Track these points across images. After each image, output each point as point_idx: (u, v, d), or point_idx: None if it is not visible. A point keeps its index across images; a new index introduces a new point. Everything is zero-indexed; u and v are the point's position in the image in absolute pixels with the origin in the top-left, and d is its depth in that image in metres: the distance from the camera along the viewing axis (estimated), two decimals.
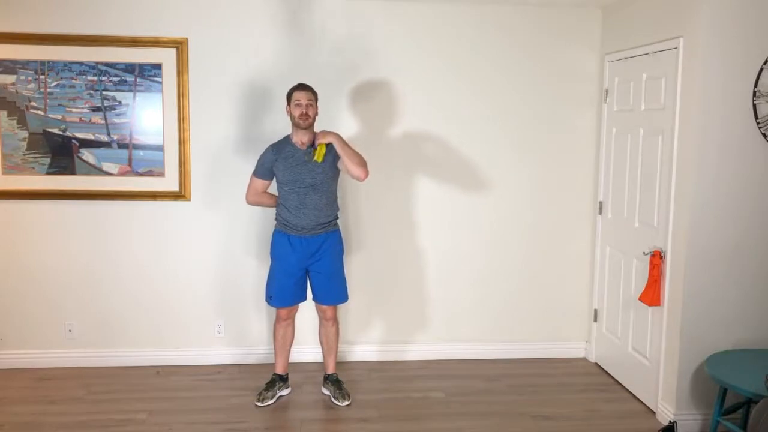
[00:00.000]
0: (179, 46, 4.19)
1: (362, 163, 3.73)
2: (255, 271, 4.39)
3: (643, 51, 3.91)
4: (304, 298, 3.94)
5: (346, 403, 3.89)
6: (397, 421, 3.72)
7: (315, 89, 3.78)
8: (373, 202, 4.44)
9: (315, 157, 3.67)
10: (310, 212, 3.76)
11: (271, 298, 3.90)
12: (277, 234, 3.87)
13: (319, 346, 4.11)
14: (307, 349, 4.40)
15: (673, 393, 3.64)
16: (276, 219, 3.89)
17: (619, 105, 4.27)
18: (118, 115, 4.23)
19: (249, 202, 3.96)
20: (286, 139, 3.82)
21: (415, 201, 4.49)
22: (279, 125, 4.16)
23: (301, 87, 3.75)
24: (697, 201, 3.49)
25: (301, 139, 3.76)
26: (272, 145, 3.83)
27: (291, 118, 3.76)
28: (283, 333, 3.95)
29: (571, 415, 3.84)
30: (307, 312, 4.19)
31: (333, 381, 4.01)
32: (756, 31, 3.40)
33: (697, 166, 3.47)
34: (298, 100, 3.70)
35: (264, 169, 3.82)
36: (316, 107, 3.77)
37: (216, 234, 4.38)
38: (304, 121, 3.70)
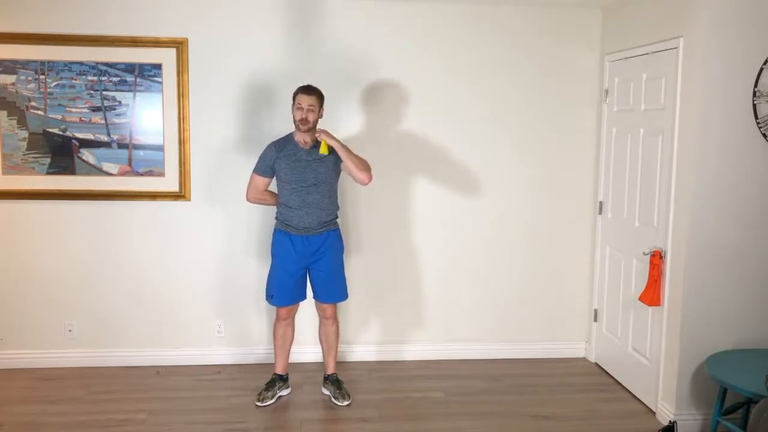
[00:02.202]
0: (179, 46, 4.19)
1: (366, 168, 3.74)
2: (255, 271, 4.39)
3: (643, 51, 3.91)
4: (304, 297, 3.94)
5: (346, 403, 3.89)
6: (397, 421, 3.72)
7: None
8: (373, 202, 4.44)
9: (320, 151, 3.69)
10: (313, 211, 3.76)
11: (272, 297, 3.90)
12: (278, 233, 3.87)
13: (319, 346, 4.11)
14: (307, 349, 4.40)
15: (673, 393, 3.64)
16: (276, 218, 3.89)
17: (619, 105, 4.27)
18: (118, 115, 4.23)
19: (250, 200, 3.94)
20: (289, 137, 3.82)
21: (415, 201, 4.49)
22: (279, 125, 4.16)
23: (306, 90, 3.73)
24: (697, 201, 3.49)
25: (303, 138, 3.76)
26: (274, 143, 3.83)
27: (293, 119, 3.76)
28: (282, 332, 3.95)
29: (571, 415, 3.84)
30: (307, 312, 4.19)
31: (333, 381, 4.01)
32: (756, 31, 3.40)
33: (697, 166, 3.47)
34: (300, 104, 3.70)
35: (265, 166, 3.81)
36: (319, 112, 3.75)
37: (216, 234, 4.38)
38: (304, 125, 3.71)
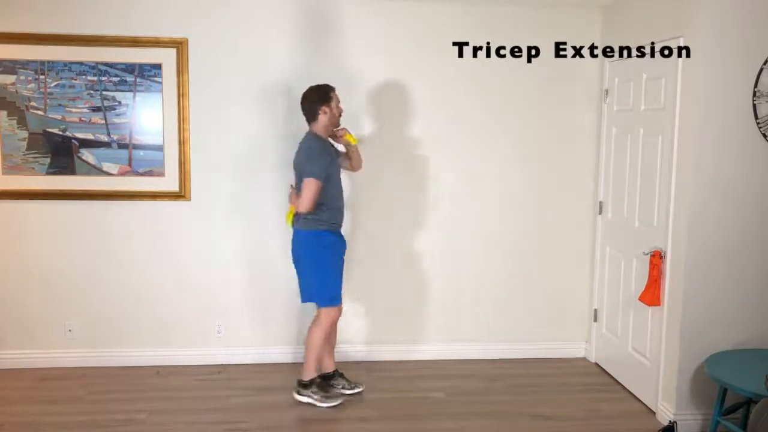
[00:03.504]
0: (179, 46, 4.19)
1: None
2: (255, 271, 4.39)
3: (643, 51, 3.90)
4: None
5: (362, 386, 4.05)
6: (397, 421, 3.72)
7: (315, 87, 3.80)
8: (372, 201, 4.44)
9: (352, 142, 3.85)
10: (344, 206, 3.92)
11: (335, 299, 3.85)
12: (328, 235, 3.79)
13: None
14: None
15: (673, 393, 3.64)
16: (322, 221, 3.76)
17: (619, 105, 4.27)
18: (118, 115, 4.23)
19: (311, 210, 3.69)
20: (320, 138, 3.78)
21: (416, 201, 4.49)
22: (279, 125, 4.18)
23: (334, 88, 3.82)
24: (697, 201, 3.49)
25: (327, 136, 3.83)
26: (322, 145, 3.75)
27: (330, 117, 3.75)
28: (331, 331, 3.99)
29: (571, 415, 3.84)
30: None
31: (340, 374, 4.07)
32: (756, 31, 3.40)
33: (696, 166, 3.47)
34: (338, 100, 3.80)
35: (326, 172, 3.70)
36: None
37: (216, 234, 4.38)
38: (340, 117, 3.84)
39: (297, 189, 3.76)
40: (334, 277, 3.85)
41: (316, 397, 3.86)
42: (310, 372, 3.89)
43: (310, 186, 3.62)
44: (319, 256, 3.79)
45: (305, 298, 3.91)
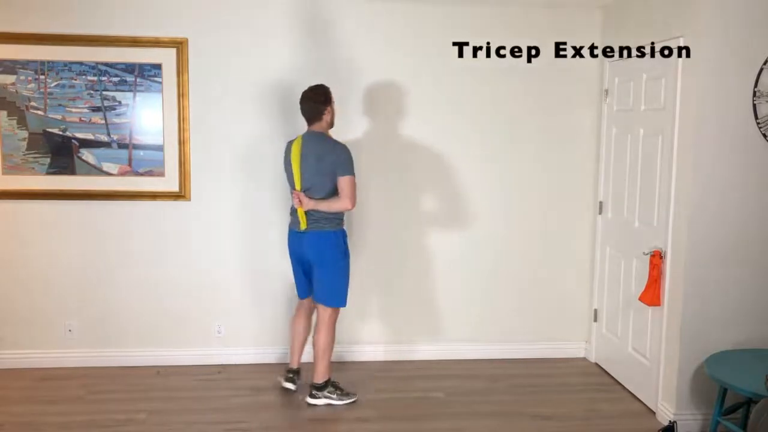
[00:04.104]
0: (179, 46, 4.19)
1: None
2: (255, 271, 4.39)
3: (643, 51, 3.90)
4: None
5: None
6: (397, 421, 3.73)
7: (316, 88, 3.80)
8: (374, 202, 4.44)
9: None
10: None
11: (345, 299, 3.86)
12: (343, 234, 3.83)
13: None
14: (306, 348, 4.39)
15: (673, 393, 3.64)
16: (342, 219, 3.83)
17: (619, 105, 4.27)
18: (118, 115, 4.23)
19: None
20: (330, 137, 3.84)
21: (414, 201, 4.49)
22: (279, 125, 4.17)
23: None
24: (697, 201, 3.49)
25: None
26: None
27: (332, 117, 3.80)
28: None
29: (571, 415, 3.84)
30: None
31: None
32: (756, 31, 3.40)
33: (696, 166, 3.47)
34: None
35: None
36: None
37: (216, 234, 4.38)
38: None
39: (311, 191, 3.70)
40: (347, 278, 3.86)
41: (334, 396, 3.87)
42: (325, 374, 3.88)
43: (352, 183, 3.68)
44: (345, 255, 3.83)
45: (331, 301, 3.82)
